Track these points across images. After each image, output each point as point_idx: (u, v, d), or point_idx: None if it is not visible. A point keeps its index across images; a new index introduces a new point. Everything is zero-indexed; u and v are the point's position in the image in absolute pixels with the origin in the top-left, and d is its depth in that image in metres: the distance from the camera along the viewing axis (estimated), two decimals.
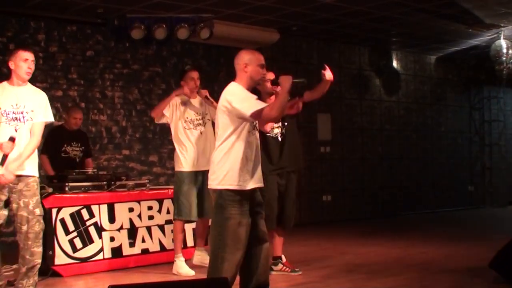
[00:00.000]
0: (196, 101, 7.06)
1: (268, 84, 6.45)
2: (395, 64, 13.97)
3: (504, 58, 12.02)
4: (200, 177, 6.86)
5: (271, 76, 6.58)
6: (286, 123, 6.68)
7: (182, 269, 6.73)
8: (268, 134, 6.56)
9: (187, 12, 9.65)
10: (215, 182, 4.68)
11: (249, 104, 4.68)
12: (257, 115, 4.62)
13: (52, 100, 9.49)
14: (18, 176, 5.25)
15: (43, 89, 9.39)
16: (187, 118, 6.92)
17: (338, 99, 12.83)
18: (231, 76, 9.70)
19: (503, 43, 11.96)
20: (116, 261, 7.20)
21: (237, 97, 4.78)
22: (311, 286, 6.07)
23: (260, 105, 4.67)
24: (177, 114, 6.90)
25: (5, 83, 5.37)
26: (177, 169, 6.90)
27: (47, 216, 6.71)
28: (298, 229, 11.18)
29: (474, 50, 13.64)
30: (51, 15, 9.48)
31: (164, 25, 9.67)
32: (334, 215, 12.44)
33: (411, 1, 9.65)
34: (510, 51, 11.93)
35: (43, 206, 6.68)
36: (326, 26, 11.22)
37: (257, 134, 4.91)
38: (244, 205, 4.65)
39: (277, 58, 11.86)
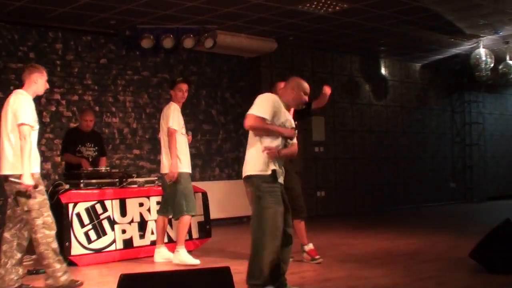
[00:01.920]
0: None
1: (180, 94, 6.84)
2: (383, 71, 13.96)
3: (483, 66, 12.01)
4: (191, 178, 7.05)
5: (184, 86, 6.86)
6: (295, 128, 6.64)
7: (188, 259, 6.71)
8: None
9: (193, 23, 9.65)
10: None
11: (256, 106, 4.91)
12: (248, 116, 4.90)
13: (69, 104, 9.56)
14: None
15: (60, 94, 9.52)
16: (183, 126, 6.97)
17: (331, 103, 12.79)
18: (233, 82, 9.76)
19: (482, 51, 11.96)
20: (128, 251, 7.20)
21: (260, 99, 4.97)
22: (307, 274, 6.07)
23: (262, 111, 4.85)
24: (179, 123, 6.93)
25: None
26: (184, 170, 6.87)
27: (64, 210, 6.74)
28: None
29: (456, 58, 13.64)
30: (68, 26, 9.49)
31: (171, 35, 9.68)
32: (328, 210, 12.44)
33: (398, 14, 9.65)
34: (488, 59, 11.93)
35: (59, 201, 6.72)
36: (320, 36, 11.21)
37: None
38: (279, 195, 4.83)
39: (275, 65, 11.86)
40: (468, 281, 5.71)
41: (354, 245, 8.14)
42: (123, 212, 7.25)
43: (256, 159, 4.85)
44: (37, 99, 9.14)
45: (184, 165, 6.84)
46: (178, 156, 6.79)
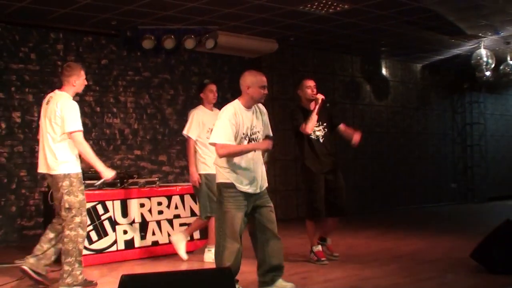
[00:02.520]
0: (212, 113, 7.02)
1: (309, 91, 6.74)
2: (384, 71, 13.96)
3: (484, 66, 12.01)
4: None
5: (312, 83, 6.80)
6: (325, 124, 6.78)
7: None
8: (311, 137, 6.72)
9: (194, 24, 9.66)
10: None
11: (215, 131, 5.10)
12: (212, 144, 5.12)
13: None
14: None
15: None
16: (209, 129, 6.94)
17: (332, 104, 12.81)
18: (234, 83, 9.79)
19: (483, 52, 11.95)
20: (129, 252, 7.21)
21: (219, 121, 5.12)
22: (308, 275, 6.07)
23: (219, 136, 5.03)
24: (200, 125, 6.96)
25: None
26: (210, 172, 6.75)
27: None
28: (295, 222, 11.20)
29: (456, 59, 13.64)
30: (69, 27, 9.49)
31: (172, 36, 9.69)
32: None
33: (399, 14, 9.65)
34: (489, 60, 11.92)
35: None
36: (321, 37, 11.22)
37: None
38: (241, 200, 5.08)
39: (276, 66, 11.87)
40: (469, 281, 5.72)
41: (354, 245, 8.15)
42: (124, 213, 7.26)
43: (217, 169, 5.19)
44: (38, 100, 9.18)
45: (211, 167, 6.80)
46: (203, 159, 6.85)
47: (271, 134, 5.45)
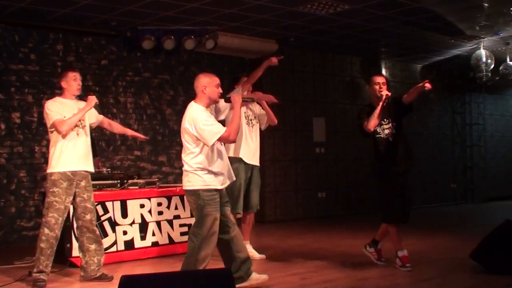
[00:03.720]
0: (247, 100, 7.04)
1: (377, 87, 6.39)
2: (384, 72, 13.95)
3: (483, 67, 12.02)
4: (249, 171, 7.03)
5: (381, 79, 6.49)
6: (395, 124, 6.39)
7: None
8: (378, 136, 6.38)
9: (194, 25, 9.66)
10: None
11: (208, 133, 5.08)
12: (219, 140, 5.15)
13: None
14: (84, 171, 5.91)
15: (61, 95, 9.49)
16: (243, 112, 7.02)
17: (332, 104, 12.83)
18: (233, 83, 9.74)
19: (482, 52, 11.96)
20: (129, 253, 7.21)
21: (200, 122, 5.12)
22: (308, 275, 6.07)
23: (217, 132, 5.08)
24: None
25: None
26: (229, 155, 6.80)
27: None
28: (295, 223, 11.21)
29: (456, 59, 13.64)
30: (69, 27, 9.49)
31: (172, 37, 9.68)
32: (328, 210, 12.44)
33: (399, 15, 9.65)
34: (489, 60, 11.93)
35: None
36: (321, 37, 11.22)
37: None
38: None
39: (275, 66, 11.78)
40: (468, 282, 5.72)
41: (354, 245, 8.14)
42: (124, 214, 7.26)
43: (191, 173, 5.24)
44: (38, 100, 9.19)
45: (232, 151, 6.92)
46: (229, 148, 6.87)
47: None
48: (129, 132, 6.66)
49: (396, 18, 9.84)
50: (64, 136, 5.76)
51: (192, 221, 7.46)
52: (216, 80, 5.34)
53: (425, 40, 11.66)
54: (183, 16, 9.21)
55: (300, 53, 12.25)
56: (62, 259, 6.72)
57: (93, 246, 5.96)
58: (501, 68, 12.86)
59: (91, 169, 5.95)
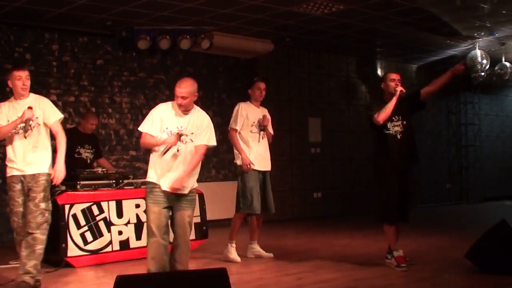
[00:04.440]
0: (258, 110, 7.19)
1: (393, 84, 6.46)
2: (379, 72, 13.96)
3: (479, 67, 12.03)
4: (261, 176, 7.10)
5: (396, 76, 6.60)
6: (405, 122, 6.43)
7: (232, 254, 6.92)
8: (387, 131, 6.36)
9: (189, 24, 9.65)
10: None
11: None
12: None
13: (65, 105, 9.54)
14: (31, 175, 5.57)
15: (57, 95, 9.51)
16: (253, 122, 7.07)
17: (328, 104, 12.84)
18: (229, 83, 9.77)
19: (478, 53, 11.97)
20: (124, 253, 7.20)
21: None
22: (303, 275, 6.08)
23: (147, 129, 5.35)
24: (243, 121, 7.06)
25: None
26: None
27: (60, 212, 6.74)
28: (291, 223, 11.21)
29: (452, 59, 13.64)
30: (64, 27, 9.47)
31: (168, 36, 9.66)
32: (324, 211, 12.44)
33: (395, 15, 9.66)
34: (484, 61, 11.94)
35: (56, 202, 6.71)
36: (317, 37, 11.22)
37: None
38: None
39: (272, 66, 11.87)
40: (463, 282, 5.73)
41: (350, 246, 8.16)
42: (120, 214, 7.25)
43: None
44: None
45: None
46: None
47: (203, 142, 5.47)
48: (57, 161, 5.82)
49: (391, 18, 9.85)
50: (8, 140, 5.60)
51: None
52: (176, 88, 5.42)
53: (421, 40, 11.68)
54: (178, 16, 9.20)
55: (295, 53, 12.26)
56: (58, 259, 6.71)
57: (24, 253, 5.49)
58: (496, 68, 12.88)
59: (40, 170, 5.59)
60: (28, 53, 9.24)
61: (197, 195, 7.86)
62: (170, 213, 5.31)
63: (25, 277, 5.38)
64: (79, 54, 9.76)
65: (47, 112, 5.74)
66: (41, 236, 5.49)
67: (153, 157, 5.35)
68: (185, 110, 5.35)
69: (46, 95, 9.26)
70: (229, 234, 7.12)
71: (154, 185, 5.28)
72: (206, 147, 5.47)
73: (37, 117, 5.63)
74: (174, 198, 5.27)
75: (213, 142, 5.52)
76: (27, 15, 8.75)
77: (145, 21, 9.36)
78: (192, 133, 5.31)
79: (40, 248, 5.49)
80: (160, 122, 5.29)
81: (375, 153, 6.57)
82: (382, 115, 6.26)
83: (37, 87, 9.23)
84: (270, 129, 7.30)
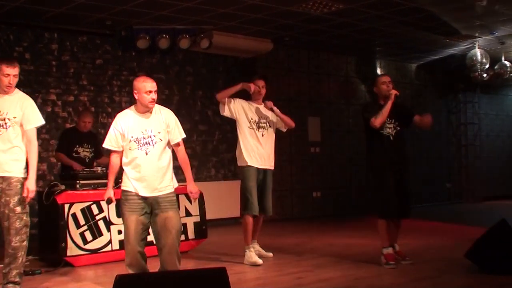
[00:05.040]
0: (259, 106, 7.04)
1: (384, 87, 6.53)
2: (379, 71, 13.97)
3: (478, 66, 12.03)
4: (261, 175, 6.96)
5: (387, 78, 6.65)
6: (398, 125, 6.53)
7: (252, 258, 6.71)
8: (381, 132, 6.49)
9: (189, 24, 9.65)
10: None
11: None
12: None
13: (65, 104, 9.54)
14: (1, 177, 5.28)
15: (56, 95, 9.50)
16: (251, 119, 6.92)
17: (327, 104, 12.84)
18: (228, 83, 9.76)
19: (477, 52, 11.98)
20: (123, 252, 7.18)
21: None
22: (303, 275, 6.07)
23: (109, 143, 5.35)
24: (240, 113, 6.89)
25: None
26: (241, 165, 6.88)
27: (60, 211, 6.74)
28: (290, 222, 11.21)
29: (451, 59, 13.66)
30: (64, 27, 9.48)
31: (167, 36, 9.67)
32: (323, 210, 12.44)
33: (394, 14, 9.66)
34: (484, 60, 11.95)
35: (55, 201, 6.71)
36: (316, 37, 11.22)
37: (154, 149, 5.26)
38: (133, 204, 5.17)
39: (271, 66, 11.87)
40: (463, 281, 5.72)
41: (350, 245, 8.15)
42: (119, 213, 7.23)
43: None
44: (33, 99, 9.15)
45: (245, 161, 6.85)
46: (242, 152, 6.86)
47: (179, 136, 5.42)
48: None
49: (391, 17, 9.85)
50: None
51: (187, 220, 7.49)
52: (144, 87, 5.25)
53: (420, 39, 11.68)
54: (178, 16, 9.20)
55: (295, 53, 12.26)
56: (57, 258, 6.71)
57: (7, 260, 5.28)
58: (496, 67, 12.88)
59: (13, 174, 5.29)
60: (28, 52, 9.24)
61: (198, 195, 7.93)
62: (149, 220, 5.22)
63: (9, 286, 5.25)
64: (79, 54, 9.76)
65: (27, 115, 5.33)
66: (21, 243, 5.28)
67: (125, 166, 5.26)
68: (149, 110, 5.25)
69: (46, 94, 9.32)
70: (244, 239, 6.86)
71: (130, 193, 5.19)
72: (182, 140, 5.44)
73: (15, 117, 5.28)
74: (153, 202, 5.19)
75: (183, 133, 5.46)
76: (26, 14, 8.75)
77: (145, 21, 9.36)
78: (159, 132, 5.22)
79: (21, 255, 5.29)
80: (120, 135, 5.24)
81: (370, 153, 6.66)
82: (379, 120, 6.39)
83: (37, 87, 9.25)
84: (282, 116, 7.10)
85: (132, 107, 5.35)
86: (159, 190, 5.21)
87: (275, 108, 7.04)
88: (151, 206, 5.20)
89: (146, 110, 5.25)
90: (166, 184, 5.29)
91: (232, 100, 6.91)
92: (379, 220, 6.56)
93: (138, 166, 5.18)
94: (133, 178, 5.19)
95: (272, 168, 7.18)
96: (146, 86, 5.22)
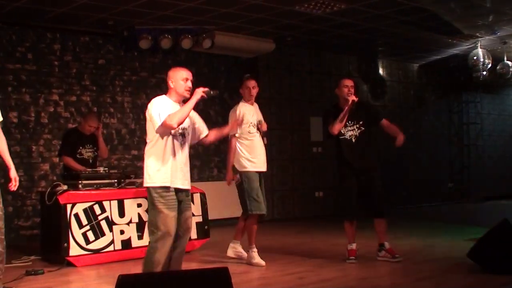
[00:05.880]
0: (252, 108, 6.93)
1: (346, 90, 6.75)
2: (381, 71, 13.97)
3: (480, 66, 12.02)
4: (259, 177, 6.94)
5: (350, 83, 6.83)
6: (362, 127, 6.74)
7: (255, 259, 6.72)
8: (341, 137, 6.71)
9: (191, 24, 9.66)
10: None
11: (154, 118, 4.92)
12: (162, 125, 4.88)
13: (67, 105, 9.55)
14: None
15: (59, 95, 9.52)
16: (251, 123, 6.84)
17: (329, 104, 12.79)
18: (230, 82, 9.76)
19: (480, 52, 11.97)
20: (126, 252, 7.19)
21: (151, 109, 4.97)
22: (305, 275, 6.07)
23: (160, 117, 4.87)
24: (244, 120, 6.79)
25: None
26: (248, 169, 6.77)
27: (62, 211, 6.75)
28: (292, 222, 11.21)
29: (453, 59, 13.65)
30: (66, 27, 9.48)
31: (169, 36, 9.68)
32: (326, 210, 12.44)
33: (396, 14, 9.66)
34: (486, 60, 11.94)
35: (58, 201, 6.72)
36: (318, 37, 11.22)
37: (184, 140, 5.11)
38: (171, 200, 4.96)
39: (273, 65, 11.87)
40: (466, 281, 5.72)
41: None
42: (122, 213, 7.25)
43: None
44: (35, 100, 9.18)
45: (249, 165, 6.77)
46: (243, 156, 6.75)
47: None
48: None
49: (393, 17, 9.85)
50: None
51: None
52: (184, 75, 5.13)
53: (422, 39, 11.67)
54: (180, 16, 9.21)
55: (297, 53, 12.25)
56: (59, 258, 6.71)
57: None
58: (498, 67, 12.87)
59: None
60: (30, 52, 9.25)
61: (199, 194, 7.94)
62: None
63: None
64: (81, 54, 9.77)
65: None
66: None
67: (158, 157, 5.01)
68: (183, 100, 5.13)
69: (48, 94, 9.33)
70: (248, 240, 6.85)
71: (167, 189, 4.96)
72: None
73: None
74: (182, 198, 5.08)
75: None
76: (28, 14, 8.76)
77: (147, 21, 9.36)
78: (189, 126, 5.18)
79: (0, 260, 5.20)
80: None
81: (336, 157, 6.92)
82: (336, 127, 6.66)
83: (39, 87, 9.27)
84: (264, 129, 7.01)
85: (165, 96, 5.13)
86: (188, 183, 5.15)
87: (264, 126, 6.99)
88: (179, 202, 5.07)
89: (180, 99, 5.13)
90: (189, 180, 5.22)
91: (240, 118, 6.72)
92: (345, 222, 6.86)
93: (175, 157, 5.01)
94: (172, 170, 4.98)
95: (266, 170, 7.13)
96: (183, 74, 5.11)
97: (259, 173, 6.89)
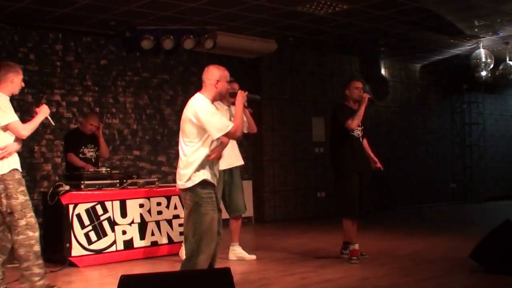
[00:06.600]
0: (227, 108, 6.86)
1: (358, 92, 6.83)
2: (383, 71, 13.96)
3: (483, 66, 12.01)
4: (227, 174, 6.89)
5: (360, 84, 6.93)
6: (362, 132, 6.95)
7: (244, 254, 6.99)
8: (352, 133, 6.85)
9: (193, 24, 9.66)
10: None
11: (214, 125, 4.66)
12: (224, 136, 4.70)
13: (69, 105, 9.56)
14: None
15: (61, 95, 9.53)
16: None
17: (331, 104, 12.80)
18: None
19: (482, 52, 11.95)
20: (128, 252, 7.21)
21: (205, 114, 4.72)
22: (307, 275, 6.07)
23: (225, 125, 4.66)
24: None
25: None
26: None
27: (64, 211, 6.76)
28: (294, 223, 11.21)
29: (455, 59, 13.64)
30: (68, 27, 9.49)
31: (171, 36, 9.68)
32: (328, 210, 12.43)
33: (398, 15, 9.66)
34: (488, 60, 11.93)
35: (60, 202, 6.74)
36: (320, 37, 11.22)
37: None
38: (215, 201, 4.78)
39: (275, 66, 11.87)
40: (468, 281, 5.72)
41: None
42: (124, 213, 7.26)
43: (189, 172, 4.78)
44: (38, 100, 9.18)
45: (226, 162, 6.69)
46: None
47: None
48: None
49: (395, 17, 9.85)
50: None
51: None
52: (228, 76, 4.93)
53: (424, 39, 11.67)
54: (182, 16, 9.21)
55: (299, 53, 12.25)
56: (62, 259, 6.72)
57: (2, 257, 5.35)
58: (500, 67, 12.86)
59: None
60: (32, 53, 9.25)
61: None
62: None
63: None
64: (83, 54, 9.78)
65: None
66: None
67: (205, 159, 4.74)
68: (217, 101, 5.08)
69: (50, 95, 9.34)
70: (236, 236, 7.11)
71: (213, 187, 4.78)
72: None
73: None
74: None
75: None
76: (31, 15, 8.77)
77: (149, 21, 9.37)
78: None
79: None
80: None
81: (338, 154, 6.98)
82: (356, 122, 6.75)
83: (41, 87, 9.27)
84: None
85: (202, 96, 4.91)
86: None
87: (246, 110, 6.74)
88: None
89: (217, 99, 4.98)
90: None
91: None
92: (345, 219, 6.93)
93: (212, 157, 4.81)
94: (211, 171, 4.78)
95: (237, 165, 7.05)
96: (228, 75, 4.93)
97: (226, 171, 6.80)
